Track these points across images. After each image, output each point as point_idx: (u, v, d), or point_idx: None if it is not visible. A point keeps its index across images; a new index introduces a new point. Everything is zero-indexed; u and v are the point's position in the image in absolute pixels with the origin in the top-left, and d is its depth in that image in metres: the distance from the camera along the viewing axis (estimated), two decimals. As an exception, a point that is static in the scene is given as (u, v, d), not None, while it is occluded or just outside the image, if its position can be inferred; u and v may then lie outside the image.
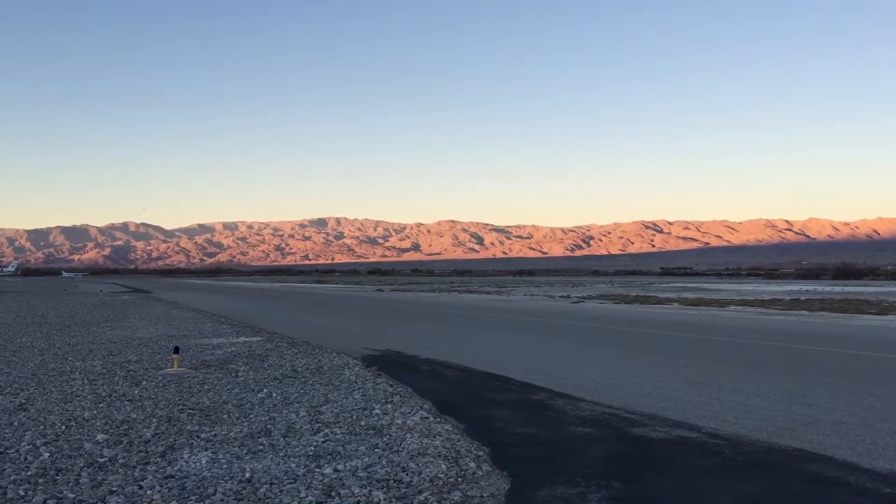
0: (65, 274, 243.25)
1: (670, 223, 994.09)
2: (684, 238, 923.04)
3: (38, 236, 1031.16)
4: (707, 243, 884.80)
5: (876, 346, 18.05)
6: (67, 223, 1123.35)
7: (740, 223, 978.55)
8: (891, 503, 6.11)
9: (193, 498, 6.21)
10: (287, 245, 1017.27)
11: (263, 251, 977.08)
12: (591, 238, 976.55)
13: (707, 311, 33.26)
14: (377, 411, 9.90)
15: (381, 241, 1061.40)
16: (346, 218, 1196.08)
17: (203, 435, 8.51)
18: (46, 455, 7.58)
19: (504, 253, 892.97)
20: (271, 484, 6.60)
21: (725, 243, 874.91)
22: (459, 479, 6.86)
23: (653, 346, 18.56)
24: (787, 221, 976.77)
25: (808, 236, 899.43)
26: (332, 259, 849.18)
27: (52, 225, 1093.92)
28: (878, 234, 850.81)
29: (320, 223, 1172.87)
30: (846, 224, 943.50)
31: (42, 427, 8.91)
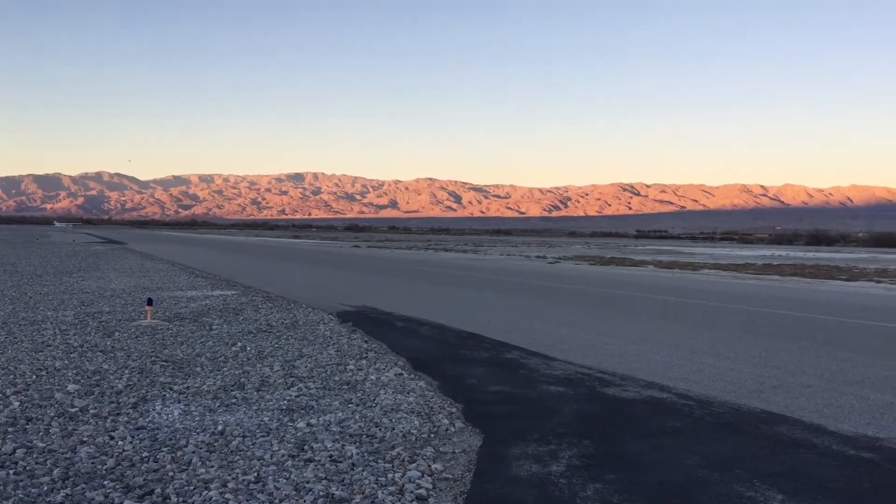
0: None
1: (647, 186, 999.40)
2: (661, 201, 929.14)
3: (9, 184, 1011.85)
4: (683, 207, 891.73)
5: (845, 311, 18.32)
6: (40, 171, 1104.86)
7: (716, 188, 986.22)
8: (855, 464, 6.22)
9: (165, 449, 6.19)
10: (263, 199, 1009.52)
11: (240, 205, 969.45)
12: (569, 199, 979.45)
13: (681, 275, 33.57)
14: (351, 367, 9.90)
15: (358, 197, 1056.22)
16: (323, 173, 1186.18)
17: (176, 387, 8.47)
18: (16, 404, 7.50)
19: (482, 212, 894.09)
20: (244, 437, 6.59)
21: (701, 207, 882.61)
22: (432, 435, 6.90)
23: (627, 307, 18.71)
24: (762, 187, 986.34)
25: (782, 202, 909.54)
26: (309, 214, 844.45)
27: (25, 173, 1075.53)
28: (852, 201, 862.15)
29: (297, 178, 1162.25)
30: (820, 191, 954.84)
31: (12, 376, 8.81)
